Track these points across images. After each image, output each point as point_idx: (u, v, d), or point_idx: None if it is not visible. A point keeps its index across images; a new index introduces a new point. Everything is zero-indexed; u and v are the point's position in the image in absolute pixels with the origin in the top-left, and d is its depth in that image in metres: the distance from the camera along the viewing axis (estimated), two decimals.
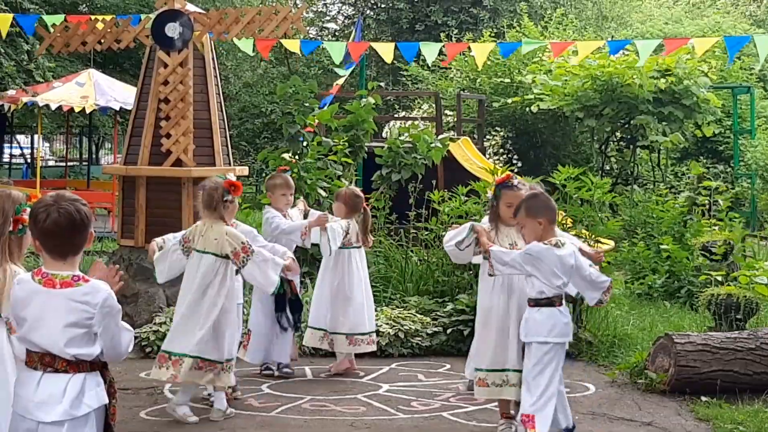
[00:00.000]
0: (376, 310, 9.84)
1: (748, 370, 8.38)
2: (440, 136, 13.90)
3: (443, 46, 16.53)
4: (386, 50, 11.78)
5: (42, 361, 4.30)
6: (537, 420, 6.53)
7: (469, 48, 19.23)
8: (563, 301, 6.84)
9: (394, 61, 30.71)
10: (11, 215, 4.92)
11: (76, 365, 4.30)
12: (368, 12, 36.23)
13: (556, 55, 19.77)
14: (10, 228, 4.92)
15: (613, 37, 27.91)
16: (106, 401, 4.40)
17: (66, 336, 4.24)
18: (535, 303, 6.76)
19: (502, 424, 7.23)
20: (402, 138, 13.40)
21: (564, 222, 10.61)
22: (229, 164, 11.08)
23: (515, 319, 7.07)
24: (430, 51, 11.67)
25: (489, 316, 7.21)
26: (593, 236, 10.62)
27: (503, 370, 7.09)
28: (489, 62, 24.95)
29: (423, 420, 7.71)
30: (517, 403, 7.06)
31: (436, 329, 10.13)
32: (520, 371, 6.94)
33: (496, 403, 7.47)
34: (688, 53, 22.06)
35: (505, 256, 6.77)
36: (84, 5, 22.73)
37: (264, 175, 15.77)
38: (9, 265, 4.83)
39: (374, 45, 14.37)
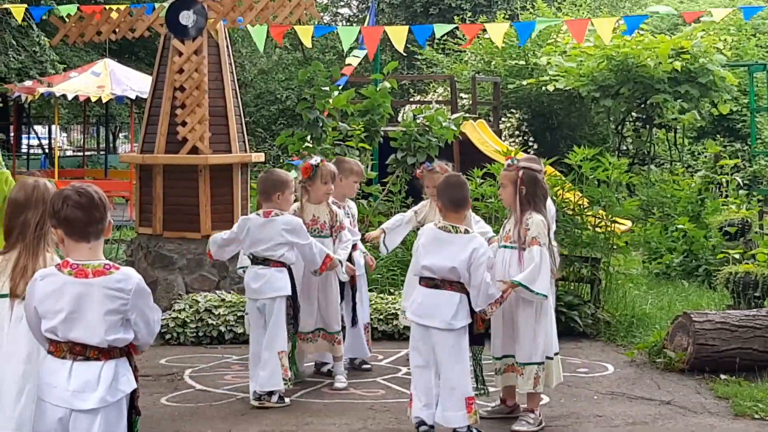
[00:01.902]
0: (392, 293, 9.81)
1: (767, 348, 8.37)
2: (453, 116, 13.86)
3: (458, 26, 16.48)
4: (398, 37, 11.67)
5: (72, 350, 4.32)
6: None
7: (484, 29, 19.15)
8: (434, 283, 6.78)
9: (409, 45, 30.73)
10: None
11: (107, 352, 4.33)
12: None
13: (576, 37, 19.66)
14: None
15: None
16: (136, 386, 4.44)
17: (105, 324, 4.27)
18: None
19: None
20: (416, 121, 13.37)
21: (581, 203, 10.62)
22: (245, 151, 11.12)
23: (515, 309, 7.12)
24: (442, 31, 11.60)
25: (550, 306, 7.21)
26: (610, 216, 10.60)
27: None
28: (504, 44, 24.92)
29: None
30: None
31: None
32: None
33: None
34: (704, 30, 21.99)
35: None
36: None
37: (281, 162, 15.74)
38: (52, 253, 4.85)
39: (388, 29, 14.30)
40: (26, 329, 4.76)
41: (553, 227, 8.38)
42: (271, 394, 7.54)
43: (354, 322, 8.48)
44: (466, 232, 6.80)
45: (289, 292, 7.64)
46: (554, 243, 8.13)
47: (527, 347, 6.97)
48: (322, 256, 7.65)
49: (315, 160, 8.32)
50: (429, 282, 6.79)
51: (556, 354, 7.22)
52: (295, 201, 8.12)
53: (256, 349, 7.67)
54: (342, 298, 8.37)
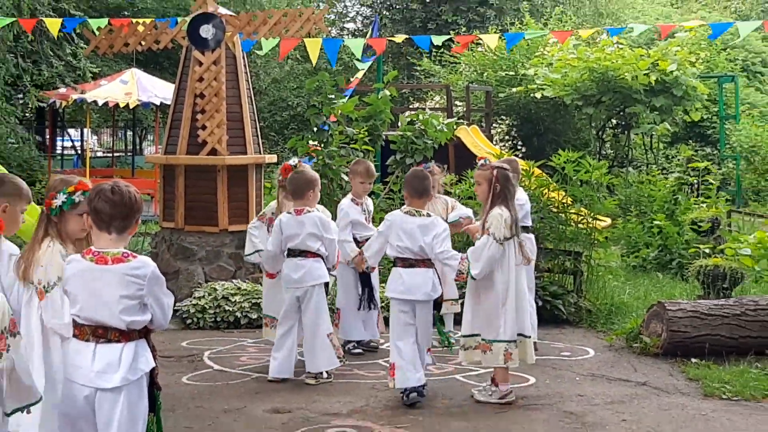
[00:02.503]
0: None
1: (734, 334, 8.38)
2: (446, 121, 13.89)
3: (454, 37, 16.51)
4: (400, 37, 11.87)
5: (95, 333, 4.33)
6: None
7: (479, 40, 19.17)
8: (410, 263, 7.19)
9: (408, 57, 30.80)
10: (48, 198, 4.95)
11: (127, 334, 4.34)
12: (384, 12, 36.11)
13: (561, 41, 19.68)
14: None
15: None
16: (154, 364, 4.44)
17: (121, 306, 4.28)
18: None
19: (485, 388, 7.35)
20: (414, 125, 13.40)
21: (565, 201, 10.62)
22: (259, 153, 11.11)
23: (523, 293, 7.20)
24: (439, 40, 11.74)
25: (508, 290, 7.16)
26: (591, 214, 10.61)
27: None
28: (495, 57, 24.94)
29: (438, 382, 7.74)
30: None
31: None
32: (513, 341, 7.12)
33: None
34: (678, 45, 22.03)
35: None
36: (126, 10, 22.75)
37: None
38: (53, 241, 4.84)
39: (392, 38, 14.37)
40: (36, 310, 4.79)
41: (528, 222, 8.49)
42: (321, 371, 7.67)
43: (371, 306, 8.50)
44: (428, 215, 7.24)
45: (328, 280, 7.75)
46: (529, 235, 8.26)
47: (494, 326, 7.03)
48: (351, 254, 7.76)
49: (293, 161, 8.40)
50: (405, 262, 7.20)
51: (524, 339, 7.19)
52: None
53: (283, 335, 7.72)
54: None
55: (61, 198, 4.87)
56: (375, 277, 8.82)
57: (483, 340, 7.10)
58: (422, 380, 7.08)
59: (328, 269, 7.83)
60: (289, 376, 7.67)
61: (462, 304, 7.72)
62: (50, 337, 4.76)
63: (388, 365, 7.67)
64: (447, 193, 11.00)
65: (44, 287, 4.77)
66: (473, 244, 7.28)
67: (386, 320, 8.46)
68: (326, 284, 7.76)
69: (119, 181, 4.52)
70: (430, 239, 7.09)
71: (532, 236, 8.59)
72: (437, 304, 7.44)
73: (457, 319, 9.21)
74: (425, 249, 7.10)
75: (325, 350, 7.63)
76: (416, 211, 7.21)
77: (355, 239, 8.53)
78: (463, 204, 9.73)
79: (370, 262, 7.88)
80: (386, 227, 7.36)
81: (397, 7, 36.14)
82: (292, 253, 7.64)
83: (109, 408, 4.28)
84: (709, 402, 7.15)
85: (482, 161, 7.72)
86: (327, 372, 7.73)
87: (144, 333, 4.41)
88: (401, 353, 7.06)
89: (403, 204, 7.66)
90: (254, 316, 9.53)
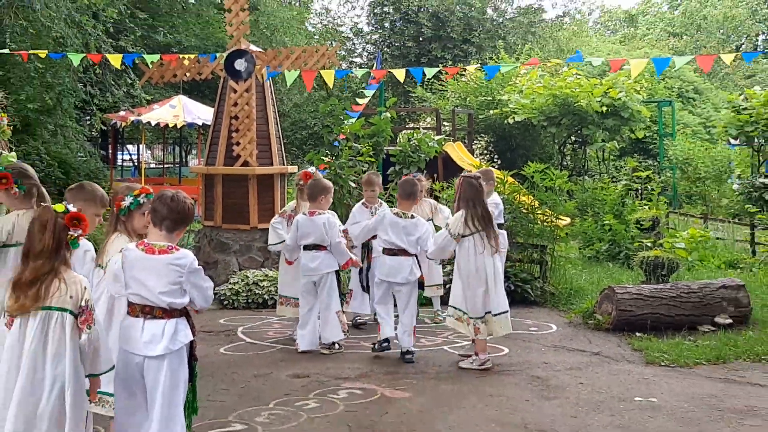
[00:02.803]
0: None
1: (671, 313, 8.40)
2: (436, 138, 13.94)
3: (442, 69, 16.50)
4: (399, 73, 11.86)
5: (143, 310, 4.36)
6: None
7: (463, 71, 19.23)
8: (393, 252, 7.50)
9: (404, 86, 30.80)
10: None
11: (169, 312, 4.35)
12: (385, 49, 36.13)
13: (530, 65, 19.72)
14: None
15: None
16: (192, 338, 4.45)
17: (164, 289, 4.32)
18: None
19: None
20: (410, 142, 13.43)
21: (532, 204, 10.63)
22: (283, 164, 11.11)
23: (484, 278, 7.18)
24: (431, 72, 11.78)
25: (476, 275, 7.18)
26: (554, 214, 10.63)
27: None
28: (475, 85, 24.96)
29: (429, 352, 7.76)
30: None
31: None
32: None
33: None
34: (626, 76, 22.05)
35: None
36: (174, 47, 22.74)
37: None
38: (120, 235, 4.85)
39: (391, 71, 14.40)
40: (103, 291, 4.80)
41: (501, 220, 8.51)
42: (333, 343, 7.69)
43: (366, 289, 8.46)
44: (412, 217, 7.55)
45: (338, 268, 7.77)
46: (502, 231, 8.30)
47: (470, 303, 7.14)
48: (344, 258, 7.68)
49: (312, 169, 8.62)
50: (390, 251, 7.51)
51: (501, 313, 7.18)
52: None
53: (305, 314, 7.73)
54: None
55: (128, 200, 4.96)
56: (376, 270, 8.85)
57: (462, 312, 7.19)
58: (392, 333, 7.50)
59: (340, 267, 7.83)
60: (315, 348, 7.68)
61: (448, 288, 7.88)
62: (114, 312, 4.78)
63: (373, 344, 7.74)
64: (435, 197, 11.03)
65: (100, 267, 4.81)
66: None
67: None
68: (337, 271, 7.77)
69: (181, 191, 4.56)
70: (413, 238, 7.43)
71: (504, 232, 8.71)
72: (420, 284, 7.78)
73: (444, 300, 9.29)
74: (406, 244, 7.42)
75: (335, 325, 7.66)
76: (403, 213, 7.52)
77: None
78: (449, 207, 9.76)
79: (355, 242, 8.00)
80: (376, 221, 7.69)
81: (396, 44, 36.16)
82: (307, 247, 7.65)
83: (154, 373, 4.31)
84: (650, 368, 7.18)
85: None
86: (338, 344, 7.74)
87: (184, 312, 4.42)
88: (381, 315, 7.61)
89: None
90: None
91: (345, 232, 7.97)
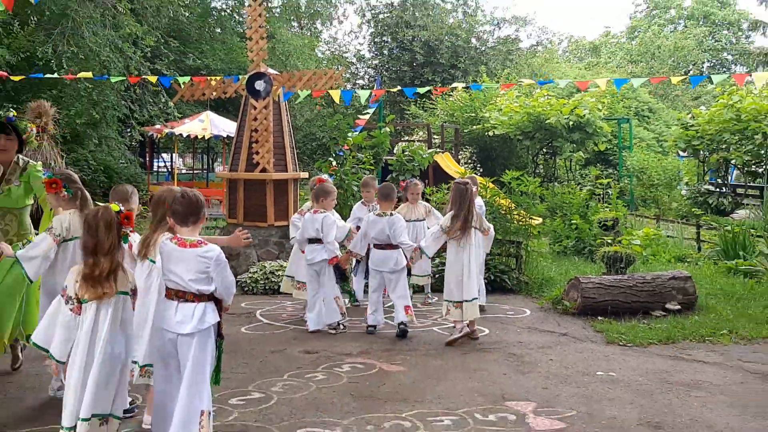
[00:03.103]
0: None
1: (628, 300, 8.40)
2: (429, 151, 13.93)
3: (432, 89, 16.54)
4: (394, 89, 11.98)
5: (177, 294, 4.36)
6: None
7: (450, 91, 19.28)
8: (381, 246, 7.60)
9: (400, 104, 30.82)
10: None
11: (199, 297, 4.35)
12: (384, 72, 36.13)
13: (506, 88, 19.82)
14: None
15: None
16: (219, 319, 4.45)
17: (193, 277, 4.32)
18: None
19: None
20: (405, 153, 13.44)
21: (510, 206, 10.64)
22: (296, 171, 11.10)
23: (460, 270, 7.27)
24: (423, 90, 11.82)
25: (453, 268, 7.32)
26: (528, 215, 10.63)
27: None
28: (461, 104, 24.97)
29: (420, 332, 7.73)
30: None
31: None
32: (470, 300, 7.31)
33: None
34: (591, 96, 22.12)
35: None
36: (203, 70, 22.74)
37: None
38: (163, 232, 4.87)
39: (389, 90, 14.44)
40: (153, 280, 4.80)
41: (483, 221, 8.53)
42: (339, 324, 7.69)
43: (366, 276, 8.48)
44: (391, 215, 7.61)
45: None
46: (491, 224, 8.33)
47: (446, 288, 7.35)
48: (331, 254, 7.60)
49: (325, 176, 8.88)
50: (378, 246, 7.62)
51: (470, 300, 7.22)
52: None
53: (311, 298, 7.73)
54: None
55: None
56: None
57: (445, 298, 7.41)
58: (380, 321, 7.73)
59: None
60: (322, 327, 7.68)
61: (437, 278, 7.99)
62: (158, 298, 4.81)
63: (384, 320, 7.78)
64: (426, 199, 11.04)
65: (151, 261, 4.81)
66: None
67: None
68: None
69: (185, 188, 4.61)
70: (393, 232, 7.50)
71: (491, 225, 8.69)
72: (409, 270, 7.84)
73: (433, 288, 9.29)
74: (390, 238, 7.51)
75: (332, 309, 7.64)
76: (383, 213, 7.62)
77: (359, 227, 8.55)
78: (436, 207, 9.80)
79: (356, 251, 7.82)
80: (363, 227, 7.76)
81: (393, 69, 36.17)
82: (311, 240, 7.66)
83: (185, 348, 4.32)
84: (610, 347, 7.17)
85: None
86: (343, 324, 7.73)
87: (213, 298, 4.41)
88: (370, 300, 7.75)
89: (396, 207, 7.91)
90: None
91: (351, 232, 7.96)
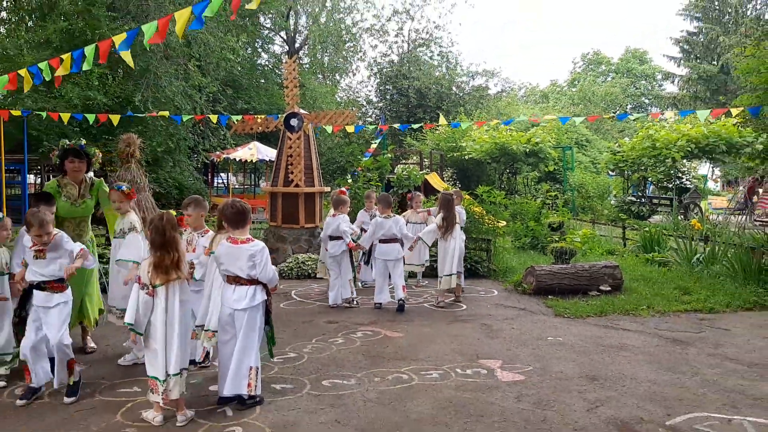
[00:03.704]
0: None
1: (571, 283, 8.37)
2: (421, 172, 13.92)
3: (424, 124, 16.62)
4: (395, 125, 11.97)
5: (234, 280, 4.35)
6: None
7: (437, 126, 19.29)
8: (386, 241, 7.52)
9: (399, 136, 30.83)
10: None
11: (250, 281, 4.34)
12: (387, 111, 36.10)
13: (479, 125, 19.82)
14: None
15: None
16: (266, 298, 4.44)
17: (245, 267, 4.30)
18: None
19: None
20: (403, 173, 13.42)
21: (482, 212, 10.62)
22: (321, 186, 11.09)
23: (450, 254, 7.55)
24: (416, 126, 11.87)
25: (442, 253, 7.57)
26: (496, 219, 10.61)
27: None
28: (445, 136, 24.92)
29: (415, 307, 7.71)
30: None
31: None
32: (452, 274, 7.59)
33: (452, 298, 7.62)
34: (542, 130, 22.07)
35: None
36: (251, 110, 22.77)
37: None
38: (222, 234, 4.86)
39: (391, 125, 14.48)
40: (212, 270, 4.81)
41: (462, 224, 8.56)
42: (353, 300, 7.67)
43: (366, 262, 8.43)
44: (393, 216, 7.58)
45: (350, 252, 7.75)
46: (463, 218, 8.42)
47: (438, 267, 7.66)
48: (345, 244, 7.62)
49: (343, 189, 8.87)
50: (383, 240, 7.55)
51: (445, 275, 7.57)
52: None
53: (333, 281, 7.71)
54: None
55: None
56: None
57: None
58: (385, 299, 7.55)
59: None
60: (340, 303, 7.65)
61: (429, 268, 8.18)
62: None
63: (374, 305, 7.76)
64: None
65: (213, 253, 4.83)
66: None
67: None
68: (351, 253, 7.73)
69: (235, 198, 4.61)
70: (399, 228, 7.51)
71: (463, 211, 8.89)
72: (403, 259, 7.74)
73: (424, 274, 9.24)
74: (396, 233, 7.49)
75: (347, 287, 7.65)
76: (386, 216, 7.59)
77: (364, 230, 8.54)
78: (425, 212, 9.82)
79: (363, 245, 7.82)
80: (372, 228, 7.72)
81: (393, 109, 36.12)
82: (331, 237, 7.66)
83: (239, 320, 4.33)
84: (558, 319, 7.16)
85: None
86: (356, 301, 7.69)
87: (260, 282, 4.40)
88: (377, 284, 7.66)
89: (396, 213, 7.92)
90: (319, 274, 9.43)
91: (355, 232, 7.91)
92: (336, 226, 7.58)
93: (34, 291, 4.48)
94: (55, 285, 4.50)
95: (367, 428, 4.10)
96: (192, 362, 5.03)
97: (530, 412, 4.37)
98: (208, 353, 5.30)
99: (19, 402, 4.45)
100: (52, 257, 4.50)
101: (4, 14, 14.95)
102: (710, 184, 32.66)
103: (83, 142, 5.73)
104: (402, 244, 7.58)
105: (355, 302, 7.68)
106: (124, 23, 15.34)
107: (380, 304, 7.61)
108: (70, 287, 4.64)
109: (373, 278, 8.48)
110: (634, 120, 33.63)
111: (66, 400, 4.47)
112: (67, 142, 5.64)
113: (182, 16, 5.43)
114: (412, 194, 9.31)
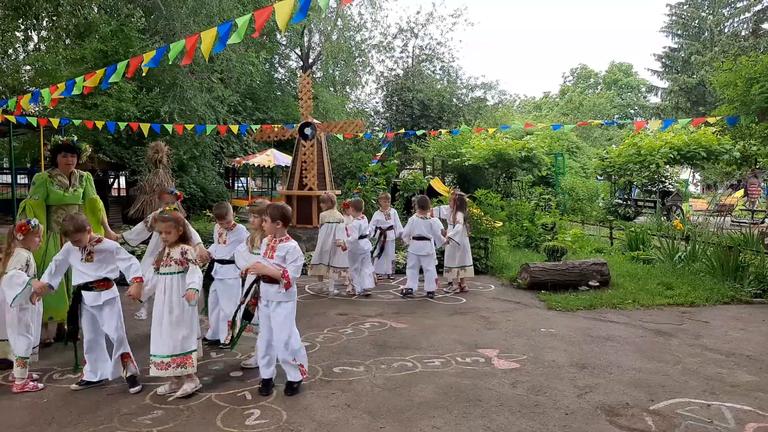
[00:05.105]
0: (396, 252, 9.80)
1: (563, 278, 8.33)
2: (426, 177, 13.91)
3: (427, 132, 16.61)
4: (400, 132, 12.02)
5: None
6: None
7: (439, 133, 19.28)
8: (420, 238, 7.61)
9: (404, 143, 30.82)
10: None
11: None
12: (393, 121, 36.10)
13: (477, 132, 19.83)
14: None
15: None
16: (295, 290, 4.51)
17: (278, 260, 4.40)
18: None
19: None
20: (408, 177, 13.42)
21: (480, 213, 10.60)
22: (332, 190, 11.12)
23: (461, 248, 7.76)
24: (419, 133, 11.91)
25: (454, 249, 7.75)
26: (493, 219, 10.59)
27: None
28: (446, 144, 24.90)
29: (419, 301, 7.67)
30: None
31: None
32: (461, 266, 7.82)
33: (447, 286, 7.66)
34: (537, 138, 22.01)
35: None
36: (269, 120, 22.82)
37: (349, 194, 15.89)
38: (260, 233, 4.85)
39: (397, 133, 14.49)
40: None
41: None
42: (364, 290, 7.74)
43: (378, 256, 8.43)
44: (429, 217, 7.68)
45: (368, 248, 7.86)
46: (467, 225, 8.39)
47: (448, 260, 7.82)
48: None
49: (355, 195, 8.74)
50: (418, 238, 7.65)
51: (461, 267, 7.86)
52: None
53: (352, 273, 7.79)
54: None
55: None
56: (391, 247, 8.86)
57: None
58: (414, 286, 7.69)
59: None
60: (360, 291, 7.76)
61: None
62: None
63: (395, 293, 7.72)
64: None
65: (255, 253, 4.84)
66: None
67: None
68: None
69: (281, 202, 4.69)
70: (433, 230, 7.63)
71: (469, 225, 8.81)
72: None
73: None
74: (426, 233, 7.60)
75: (367, 278, 7.74)
76: (423, 217, 7.63)
77: (380, 228, 8.54)
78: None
79: (405, 240, 7.85)
80: (409, 224, 7.75)
81: (399, 119, 36.10)
82: (361, 236, 7.80)
83: (273, 310, 4.41)
84: (550, 312, 7.13)
85: (453, 192, 8.74)
86: (370, 294, 7.72)
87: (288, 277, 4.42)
88: (408, 273, 7.73)
89: (403, 215, 7.97)
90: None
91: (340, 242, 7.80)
92: (358, 226, 7.73)
93: (83, 292, 4.48)
94: (101, 284, 4.51)
95: (375, 411, 4.11)
96: (216, 342, 5.10)
97: (524, 397, 4.36)
98: (232, 336, 5.30)
99: (73, 387, 4.51)
100: (100, 260, 4.51)
101: (44, 33, 15.11)
102: (691, 188, 32.52)
103: (75, 138, 5.79)
104: (432, 240, 7.71)
105: (370, 294, 7.66)
106: (153, 42, 15.44)
107: (410, 291, 7.70)
108: (115, 284, 4.63)
109: (385, 271, 8.64)
110: (620, 129, 33.49)
111: (131, 390, 4.43)
112: (61, 139, 5.67)
113: (208, 35, 5.45)
114: (383, 194, 9.30)
